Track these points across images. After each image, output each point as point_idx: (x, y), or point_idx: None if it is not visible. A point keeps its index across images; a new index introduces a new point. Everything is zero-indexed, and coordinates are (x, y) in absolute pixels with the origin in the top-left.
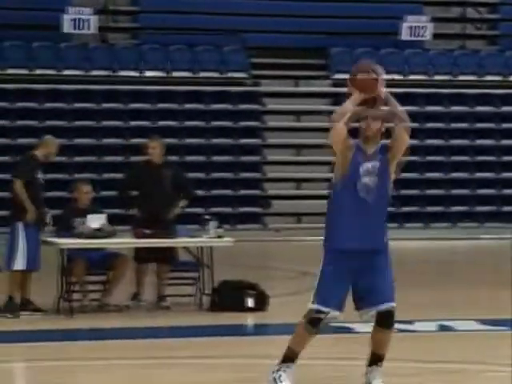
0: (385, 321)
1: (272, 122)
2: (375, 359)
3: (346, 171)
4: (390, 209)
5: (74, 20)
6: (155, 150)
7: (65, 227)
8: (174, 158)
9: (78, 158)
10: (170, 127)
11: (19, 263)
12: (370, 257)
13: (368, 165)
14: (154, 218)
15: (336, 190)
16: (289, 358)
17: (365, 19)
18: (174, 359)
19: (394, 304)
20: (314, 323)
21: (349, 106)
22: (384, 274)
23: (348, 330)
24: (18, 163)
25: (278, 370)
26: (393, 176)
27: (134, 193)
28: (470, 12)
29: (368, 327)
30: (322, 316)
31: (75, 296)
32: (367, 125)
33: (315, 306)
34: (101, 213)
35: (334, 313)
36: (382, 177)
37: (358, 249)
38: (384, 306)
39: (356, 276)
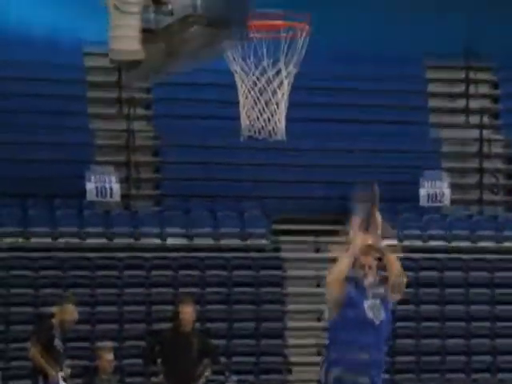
0: None
1: (292, 287)
2: None
3: (346, 309)
4: None
5: (97, 188)
6: (187, 315)
7: None
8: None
9: (100, 326)
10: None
11: None
12: None
13: (371, 301)
14: None
15: (337, 325)
16: None
17: (384, 185)
18: None
19: None
20: None
21: (344, 262)
22: None
23: None
24: (34, 331)
25: None
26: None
27: (159, 360)
28: (487, 178)
29: None
30: None
31: None
32: (366, 273)
33: None
34: (123, 381)
35: None
36: (385, 308)
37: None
38: None
39: None
